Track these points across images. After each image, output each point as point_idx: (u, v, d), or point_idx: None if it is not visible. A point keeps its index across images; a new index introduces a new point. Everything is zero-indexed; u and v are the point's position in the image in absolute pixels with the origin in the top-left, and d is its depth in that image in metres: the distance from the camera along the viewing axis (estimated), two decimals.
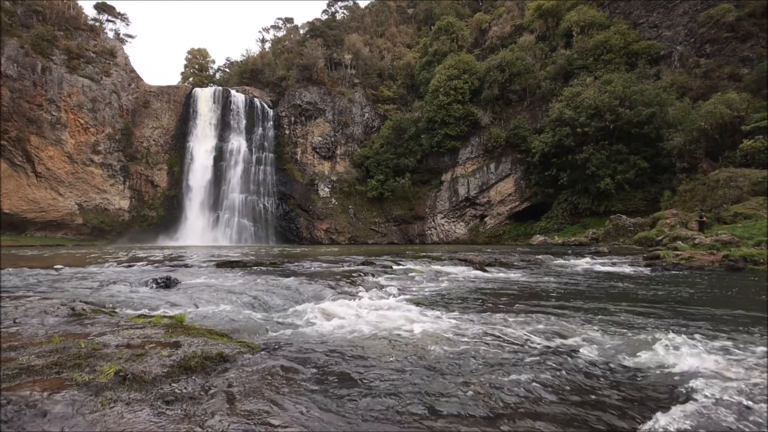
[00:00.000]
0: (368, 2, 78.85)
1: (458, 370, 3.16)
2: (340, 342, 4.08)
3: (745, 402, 2.59)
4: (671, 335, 4.13)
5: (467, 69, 46.83)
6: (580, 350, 3.79)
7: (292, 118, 54.73)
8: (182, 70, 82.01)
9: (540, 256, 17.16)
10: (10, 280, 7.91)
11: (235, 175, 50.98)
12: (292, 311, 5.77)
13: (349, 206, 52.09)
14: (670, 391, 2.85)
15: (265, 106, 55.15)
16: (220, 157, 51.50)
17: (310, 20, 69.58)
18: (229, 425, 2.13)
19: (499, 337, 4.29)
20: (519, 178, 44.96)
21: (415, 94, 54.93)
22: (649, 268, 12.33)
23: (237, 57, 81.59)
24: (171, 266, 11.75)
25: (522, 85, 45.98)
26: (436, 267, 12.37)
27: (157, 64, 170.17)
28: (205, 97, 53.34)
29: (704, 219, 21.61)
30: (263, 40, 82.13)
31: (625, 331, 4.57)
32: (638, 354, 3.65)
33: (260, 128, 53.78)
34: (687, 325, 4.93)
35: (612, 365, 3.40)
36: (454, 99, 45.67)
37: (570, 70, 42.77)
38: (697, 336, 4.27)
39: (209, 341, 3.45)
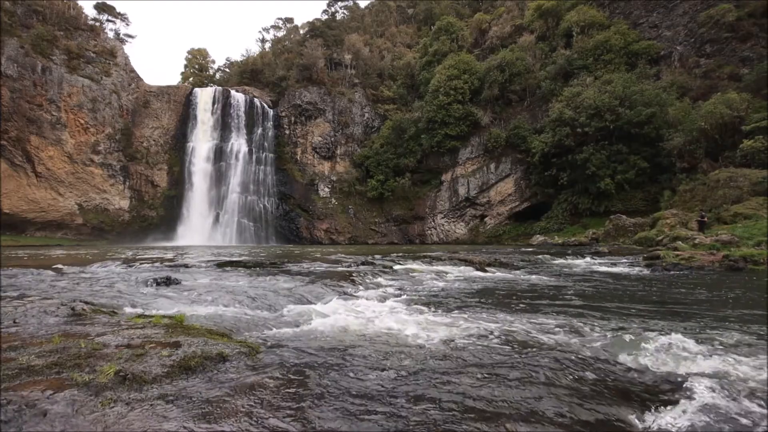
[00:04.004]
0: (368, 2, 78.90)
1: (457, 370, 3.16)
2: (339, 342, 4.08)
3: (745, 402, 2.59)
4: (671, 335, 4.13)
5: (467, 69, 46.83)
6: (579, 349, 3.79)
7: (292, 118, 54.73)
8: (182, 70, 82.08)
9: (540, 256, 17.15)
10: (11, 281, 7.90)
11: (235, 175, 50.98)
12: (292, 311, 5.77)
13: (349, 206, 52.10)
14: (669, 391, 2.85)
15: (265, 106, 55.14)
16: (220, 157, 51.49)
17: (310, 20, 69.66)
18: (228, 425, 2.14)
19: (498, 336, 4.29)
20: (519, 178, 44.96)
21: (415, 94, 54.91)
22: (649, 269, 12.33)
23: (237, 57, 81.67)
24: (171, 266, 11.75)
25: (522, 85, 45.99)
26: (436, 267, 12.36)
27: (157, 64, 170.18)
28: (205, 97, 53.34)
29: (705, 219, 21.60)
30: (263, 40, 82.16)
31: (625, 330, 4.57)
32: (638, 354, 3.65)
33: (260, 128, 53.78)
34: (687, 325, 4.93)
35: (612, 365, 3.40)
36: (454, 99, 45.66)
37: (570, 70, 42.77)
38: (697, 336, 4.27)
39: (209, 341, 3.45)
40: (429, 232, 49.70)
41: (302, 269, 11.16)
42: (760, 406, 2.55)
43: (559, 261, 15.54)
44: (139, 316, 4.80)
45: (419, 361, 3.38)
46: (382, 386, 2.81)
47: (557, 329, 4.67)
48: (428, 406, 2.50)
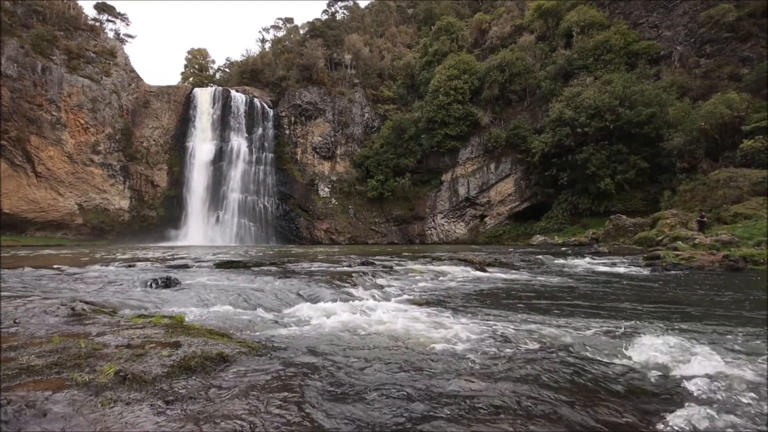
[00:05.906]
0: (368, 2, 78.91)
1: (457, 370, 3.16)
2: (339, 342, 4.07)
3: (746, 402, 2.59)
4: (671, 335, 4.13)
5: (467, 69, 46.84)
6: (580, 350, 3.79)
7: (292, 118, 54.72)
8: (182, 70, 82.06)
9: (540, 256, 17.14)
10: (11, 280, 7.90)
11: (235, 175, 50.97)
12: (292, 311, 5.77)
13: (349, 206, 52.10)
14: (670, 391, 2.85)
15: (265, 106, 55.14)
16: (220, 157, 51.49)
17: (310, 20, 69.62)
18: (228, 426, 2.13)
19: (498, 336, 4.29)
20: (519, 178, 44.96)
21: (415, 94, 54.92)
22: (649, 269, 12.32)
23: (237, 57, 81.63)
24: (171, 266, 11.74)
25: (522, 85, 46.01)
26: (436, 267, 12.36)
27: (157, 64, 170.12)
28: (205, 97, 53.34)
29: (705, 219, 21.60)
30: (263, 40, 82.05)
31: (626, 331, 4.56)
32: (638, 355, 3.64)
33: (260, 128, 53.77)
34: (687, 326, 4.93)
35: (612, 366, 3.39)
36: (454, 99, 45.67)
37: (570, 70, 42.78)
38: (697, 336, 4.26)
39: (209, 341, 3.45)
40: (429, 232, 49.70)
41: (302, 269, 11.16)
42: (761, 406, 2.54)
43: (559, 261, 15.53)
44: (139, 316, 4.80)
45: (421, 362, 3.38)
46: (384, 388, 2.81)
47: (559, 329, 4.67)
48: (432, 406, 2.50)
